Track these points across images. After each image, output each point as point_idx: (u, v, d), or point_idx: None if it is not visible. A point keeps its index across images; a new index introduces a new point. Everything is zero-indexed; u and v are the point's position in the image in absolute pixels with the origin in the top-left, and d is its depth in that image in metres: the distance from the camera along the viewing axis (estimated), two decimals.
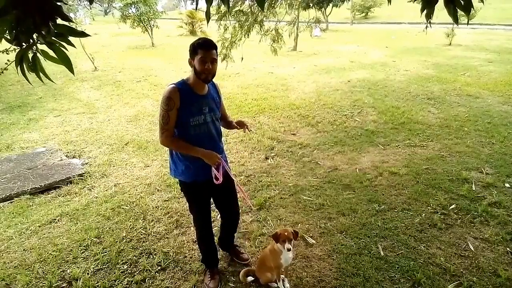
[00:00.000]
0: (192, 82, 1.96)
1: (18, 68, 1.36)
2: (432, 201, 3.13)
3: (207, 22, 1.73)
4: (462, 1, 1.51)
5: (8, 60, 1.64)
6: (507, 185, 3.33)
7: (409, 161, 3.93)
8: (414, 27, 18.69)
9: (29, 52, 1.33)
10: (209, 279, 2.30)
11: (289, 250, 1.96)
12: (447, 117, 5.26)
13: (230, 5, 5.10)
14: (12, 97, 7.16)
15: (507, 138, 4.39)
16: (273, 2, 5.36)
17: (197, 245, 2.66)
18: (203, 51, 1.86)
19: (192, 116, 1.93)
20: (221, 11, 5.14)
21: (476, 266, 2.37)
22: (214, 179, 1.98)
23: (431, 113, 5.51)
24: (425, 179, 3.51)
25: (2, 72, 2.51)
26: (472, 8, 1.52)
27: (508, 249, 2.51)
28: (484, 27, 17.38)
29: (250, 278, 2.29)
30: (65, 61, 1.36)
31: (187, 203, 2.31)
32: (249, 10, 5.26)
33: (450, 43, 12.53)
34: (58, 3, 1.27)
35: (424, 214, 2.94)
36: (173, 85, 1.92)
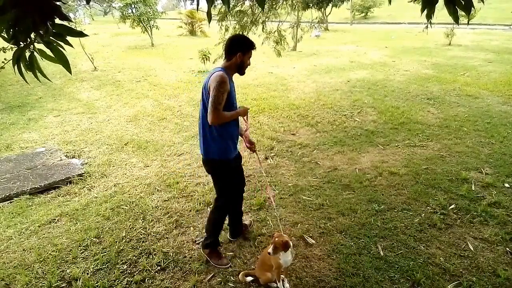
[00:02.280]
0: (230, 72, 2.21)
1: (15, 67, 1.36)
2: (431, 201, 3.13)
3: (209, 22, 1.75)
4: (462, 1, 1.51)
5: (5, 59, 1.63)
6: (506, 185, 3.34)
7: (409, 161, 3.93)
8: (414, 27, 18.71)
9: (27, 51, 1.33)
10: (218, 258, 2.51)
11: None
12: (447, 117, 5.27)
13: (231, 6, 5.09)
14: (12, 97, 7.16)
15: (506, 138, 4.39)
16: (274, 3, 5.36)
17: (196, 245, 2.68)
18: (251, 51, 2.23)
19: (234, 99, 2.25)
20: (222, 12, 5.14)
21: (475, 266, 2.38)
22: (247, 143, 2.45)
23: (431, 113, 5.51)
24: (424, 179, 3.52)
25: None
26: (472, 8, 1.52)
27: (507, 249, 2.51)
28: (484, 27, 17.39)
29: (249, 278, 2.30)
30: (63, 61, 1.36)
31: (218, 185, 2.46)
32: (250, 10, 5.26)
33: (450, 43, 12.55)
34: (57, 3, 1.27)
35: (423, 214, 2.95)
36: (222, 72, 2.12)
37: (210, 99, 2.07)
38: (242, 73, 2.27)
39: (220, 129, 2.20)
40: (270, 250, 2.06)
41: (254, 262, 2.48)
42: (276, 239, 2.06)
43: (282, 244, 2.04)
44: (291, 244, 2.08)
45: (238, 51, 2.18)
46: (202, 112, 2.21)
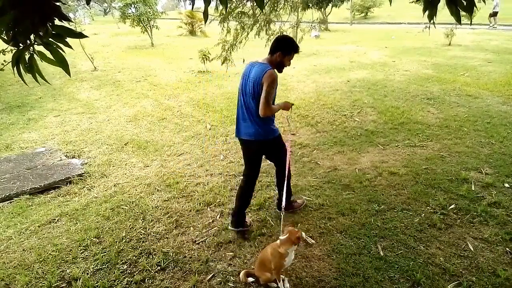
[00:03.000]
0: (272, 67, 2.47)
1: (15, 68, 1.36)
2: (431, 201, 3.13)
3: (205, 22, 1.77)
4: (464, 1, 1.51)
5: (4, 61, 1.63)
6: (506, 185, 3.34)
7: (409, 161, 3.93)
8: (414, 27, 18.71)
9: (26, 53, 1.33)
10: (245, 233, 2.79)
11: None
12: (447, 117, 5.27)
13: (231, 6, 5.08)
14: (12, 97, 7.16)
15: (506, 138, 4.40)
16: (275, 5, 5.35)
17: (196, 245, 2.69)
18: (293, 54, 2.52)
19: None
20: (222, 13, 5.13)
21: (475, 266, 2.38)
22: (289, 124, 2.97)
23: (431, 113, 5.51)
24: (424, 179, 3.52)
25: None
26: (475, 7, 1.52)
27: (507, 249, 2.51)
28: (483, 27, 17.38)
29: (250, 279, 2.29)
30: (62, 63, 1.36)
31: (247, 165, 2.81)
32: (251, 11, 5.24)
33: (450, 43, 12.54)
34: (57, 3, 1.27)
35: (423, 214, 2.95)
36: (273, 70, 2.44)
37: (264, 94, 2.38)
38: (280, 71, 2.54)
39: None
40: (281, 239, 2.10)
41: (254, 262, 2.48)
42: (290, 230, 2.10)
43: (296, 237, 2.06)
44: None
45: (279, 50, 2.47)
46: (247, 101, 2.52)
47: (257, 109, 2.45)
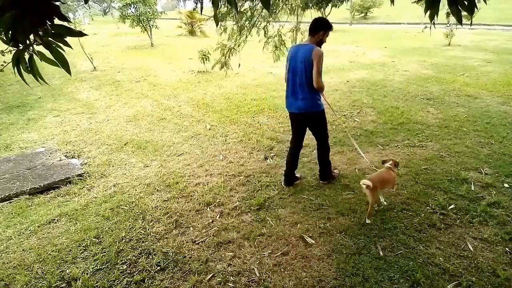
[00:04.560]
0: (315, 45, 3.02)
1: (15, 69, 1.35)
2: (431, 201, 3.13)
3: (216, 25, 1.79)
4: (465, 2, 1.51)
5: (4, 62, 1.63)
6: (506, 185, 3.34)
7: (408, 161, 3.93)
8: (413, 27, 18.72)
9: (26, 53, 1.33)
10: (333, 176, 3.56)
11: None
12: (446, 118, 5.27)
13: (229, 8, 5.07)
14: (11, 97, 7.16)
15: (506, 138, 4.40)
16: (274, 7, 5.33)
17: (196, 245, 2.69)
18: (329, 32, 3.06)
19: None
20: (223, 13, 5.11)
21: (475, 266, 2.38)
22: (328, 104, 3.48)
23: (430, 114, 5.52)
24: (424, 179, 3.52)
25: None
26: (476, 8, 1.52)
27: (507, 249, 2.52)
28: (483, 27, 17.40)
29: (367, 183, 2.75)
30: (62, 62, 1.35)
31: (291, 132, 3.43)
32: (249, 12, 5.23)
33: (449, 44, 12.55)
34: (56, 3, 1.27)
35: (423, 214, 2.95)
36: (320, 48, 2.97)
37: (315, 69, 2.91)
38: (320, 47, 3.02)
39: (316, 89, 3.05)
40: (390, 165, 3.02)
41: (254, 262, 2.49)
42: (390, 158, 3.16)
43: (396, 161, 3.13)
44: None
45: (321, 29, 3.00)
46: (299, 78, 3.03)
47: (308, 84, 3.00)
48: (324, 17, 3.37)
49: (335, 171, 3.64)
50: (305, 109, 3.12)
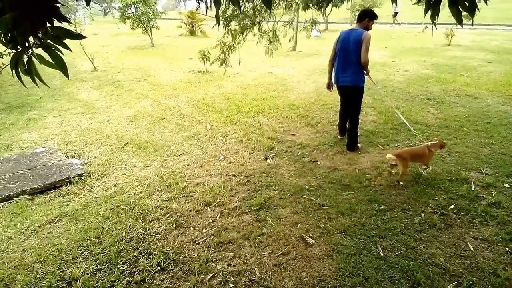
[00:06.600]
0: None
1: (14, 71, 1.35)
2: (431, 201, 3.13)
3: (218, 25, 1.78)
4: (466, 2, 1.51)
5: (2, 64, 1.64)
6: (506, 185, 3.34)
7: None
8: (413, 27, 18.71)
9: (24, 55, 1.33)
10: (358, 148, 4.30)
11: None
12: (447, 118, 5.27)
13: (229, 7, 5.07)
14: (12, 97, 7.16)
15: (506, 138, 4.40)
16: (275, 7, 5.35)
17: (196, 245, 2.69)
18: (374, 20, 3.93)
19: None
20: (224, 14, 5.12)
21: (475, 266, 2.38)
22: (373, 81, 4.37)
23: (431, 114, 5.51)
24: (424, 179, 3.52)
25: None
26: (476, 9, 1.52)
27: (507, 249, 2.52)
28: (483, 27, 17.38)
29: (391, 156, 3.35)
30: (60, 65, 1.35)
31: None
32: (249, 11, 5.23)
33: (450, 44, 12.55)
34: (56, 4, 1.26)
35: (423, 214, 2.95)
36: (367, 32, 3.84)
37: (365, 47, 3.79)
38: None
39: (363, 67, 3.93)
40: (432, 143, 3.50)
41: (254, 261, 2.49)
42: (439, 140, 3.69)
43: (443, 143, 3.64)
44: None
45: (366, 17, 3.89)
46: (350, 56, 3.91)
47: (357, 61, 3.84)
48: (370, 8, 4.29)
49: (359, 144, 4.31)
50: (351, 82, 3.95)
